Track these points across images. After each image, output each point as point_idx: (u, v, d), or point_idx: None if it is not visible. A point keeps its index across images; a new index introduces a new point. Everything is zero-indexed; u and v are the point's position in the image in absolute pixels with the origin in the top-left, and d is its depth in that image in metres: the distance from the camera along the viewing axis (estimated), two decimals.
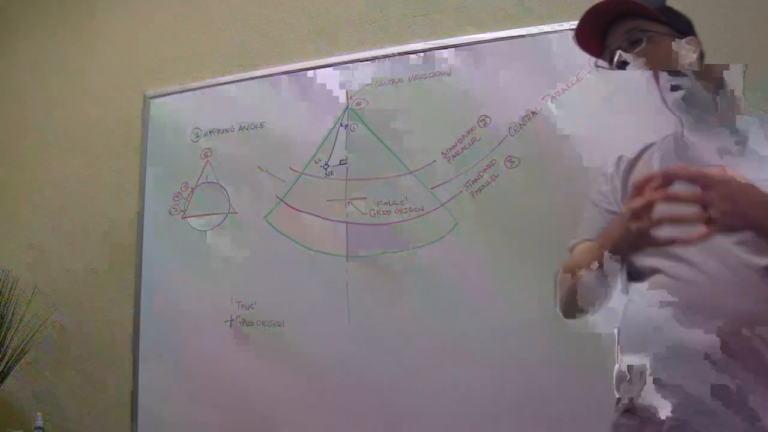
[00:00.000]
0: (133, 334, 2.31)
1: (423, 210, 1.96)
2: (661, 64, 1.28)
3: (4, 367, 2.29)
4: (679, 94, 1.30)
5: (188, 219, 2.28)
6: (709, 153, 1.29)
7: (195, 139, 2.31)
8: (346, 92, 2.10)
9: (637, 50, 1.28)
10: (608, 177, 1.39)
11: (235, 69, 2.31)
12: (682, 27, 1.34)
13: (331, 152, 2.09)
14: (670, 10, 1.35)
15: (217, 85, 2.31)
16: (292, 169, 2.14)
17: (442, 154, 1.95)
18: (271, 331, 2.10)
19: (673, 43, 1.31)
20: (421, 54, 2.03)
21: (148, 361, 2.28)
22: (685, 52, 1.32)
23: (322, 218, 2.07)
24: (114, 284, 2.40)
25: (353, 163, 2.06)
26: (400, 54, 2.06)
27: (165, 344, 2.25)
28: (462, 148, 1.94)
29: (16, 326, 2.35)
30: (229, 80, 2.29)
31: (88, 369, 2.40)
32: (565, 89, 1.85)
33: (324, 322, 2.02)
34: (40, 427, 2.22)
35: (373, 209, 2.02)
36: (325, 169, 2.09)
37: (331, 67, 2.14)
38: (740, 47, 1.73)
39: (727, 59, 1.72)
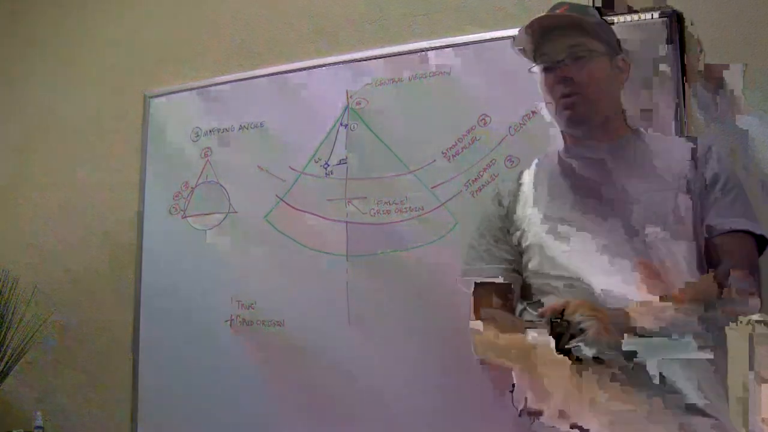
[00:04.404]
0: (133, 333, 2.31)
1: (423, 209, 1.96)
2: (599, 83, 1.34)
3: (4, 367, 2.29)
4: (568, 113, 1.37)
5: (188, 219, 2.28)
6: (594, 169, 1.38)
7: (195, 139, 2.31)
8: (346, 92, 2.10)
9: (579, 66, 1.33)
10: (491, 212, 1.48)
11: (235, 69, 2.31)
12: (614, 44, 1.40)
13: (331, 152, 2.09)
14: (606, 25, 1.39)
15: (218, 84, 2.30)
16: (292, 169, 2.14)
17: (442, 153, 1.95)
18: (271, 331, 2.10)
19: (608, 63, 1.36)
20: (421, 54, 2.03)
21: (148, 361, 2.28)
22: (617, 71, 1.39)
23: (322, 218, 2.07)
24: (114, 284, 2.40)
25: (353, 163, 2.06)
26: (400, 54, 2.06)
27: (165, 344, 2.25)
28: (462, 148, 1.94)
29: (16, 326, 2.35)
30: (229, 80, 2.29)
31: (88, 369, 2.40)
32: None
33: (324, 322, 2.02)
34: (40, 427, 2.22)
35: (373, 209, 2.02)
36: (325, 168, 2.09)
37: (331, 67, 2.14)
38: (740, 47, 1.73)
39: (727, 59, 1.73)
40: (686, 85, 1.73)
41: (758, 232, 1.30)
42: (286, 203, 2.14)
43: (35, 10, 2.73)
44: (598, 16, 1.38)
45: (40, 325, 2.39)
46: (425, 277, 1.93)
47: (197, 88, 2.34)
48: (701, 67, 1.73)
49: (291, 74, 2.20)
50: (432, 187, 1.96)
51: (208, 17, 2.42)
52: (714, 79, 1.76)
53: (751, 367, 1.54)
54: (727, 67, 1.72)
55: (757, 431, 1.46)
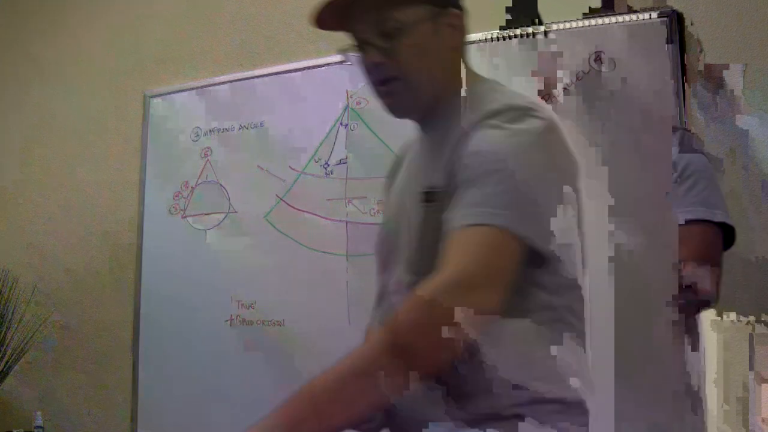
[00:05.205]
0: (133, 333, 2.31)
1: None
2: (419, 58, 1.07)
3: (4, 367, 2.29)
4: (387, 102, 1.14)
5: (188, 218, 2.28)
6: (414, 163, 1.20)
7: (195, 139, 2.31)
8: (346, 91, 2.10)
9: (391, 44, 1.05)
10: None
11: (235, 69, 2.31)
12: (440, 0, 1.11)
13: (331, 151, 2.09)
14: None
15: (218, 84, 2.30)
16: (292, 168, 2.14)
17: None
18: (271, 330, 2.10)
19: (431, 28, 1.08)
20: None
21: (148, 360, 2.28)
22: (448, 33, 1.10)
23: (322, 217, 2.07)
24: (114, 284, 2.41)
25: (353, 163, 2.06)
26: None
27: (165, 343, 2.25)
28: None
29: (16, 326, 2.35)
30: (230, 80, 2.29)
31: (88, 369, 2.40)
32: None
33: (324, 322, 2.02)
34: (40, 427, 2.22)
35: (373, 208, 2.01)
36: (325, 168, 2.09)
37: (331, 67, 2.13)
38: (740, 47, 1.73)
39: (727, 59, 1.73)
40: (686, 85, 1.73)
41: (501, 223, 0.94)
42: (286, 203, 2.14)
43: (36, 11, 2.73)
44: None
45: (40, 325, 2.39)
46: None
47: (197, 88, 2.34)
48: (701, 67, 1.73)
49: (291, 74, 2.20)
50: None
51: (208, 17, 2.42)
52: (714, 79, 1.75)
53: (751, 367, 1.54)
54: (727, 67, 1.72)
55: (757, 431, 1.46)
